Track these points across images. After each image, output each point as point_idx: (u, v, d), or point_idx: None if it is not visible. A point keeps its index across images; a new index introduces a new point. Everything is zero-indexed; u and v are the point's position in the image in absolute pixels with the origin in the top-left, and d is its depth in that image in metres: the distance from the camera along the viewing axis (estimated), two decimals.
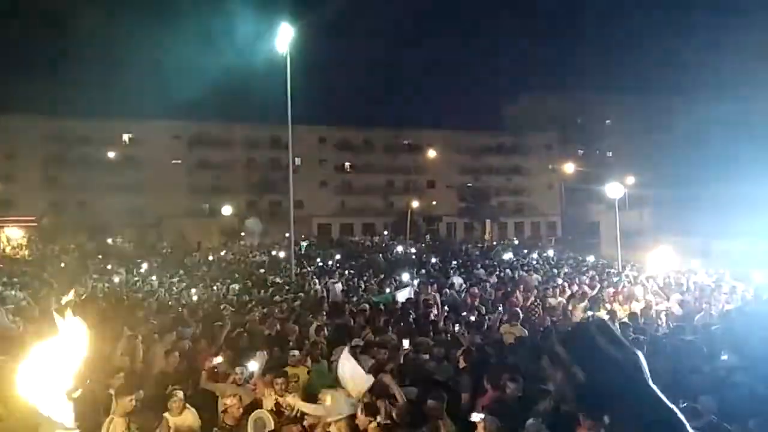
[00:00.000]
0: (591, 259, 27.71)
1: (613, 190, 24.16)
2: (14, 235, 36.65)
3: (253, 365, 7.74)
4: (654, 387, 1.10)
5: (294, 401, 6.62)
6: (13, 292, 17.82)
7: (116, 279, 23.28)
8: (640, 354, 1.13)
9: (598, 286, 16.28)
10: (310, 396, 6.92)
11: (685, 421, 1.06)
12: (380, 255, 33.13)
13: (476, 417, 5.26)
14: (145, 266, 27.66)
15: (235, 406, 6.40)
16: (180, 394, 6.36)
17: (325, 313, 12.79)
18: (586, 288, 16.14)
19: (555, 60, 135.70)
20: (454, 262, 27.41)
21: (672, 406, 1.09)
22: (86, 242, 41.89)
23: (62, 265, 30.41)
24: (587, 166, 62.96)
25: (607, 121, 74.94)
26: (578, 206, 63.55)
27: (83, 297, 17.59)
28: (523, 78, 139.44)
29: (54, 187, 56.45)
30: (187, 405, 6.38)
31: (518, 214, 70.93)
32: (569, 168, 58.75)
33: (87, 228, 46.05)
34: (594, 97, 72.08)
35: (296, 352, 8.54)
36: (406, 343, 8.24)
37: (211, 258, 34.42)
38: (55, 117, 55.99)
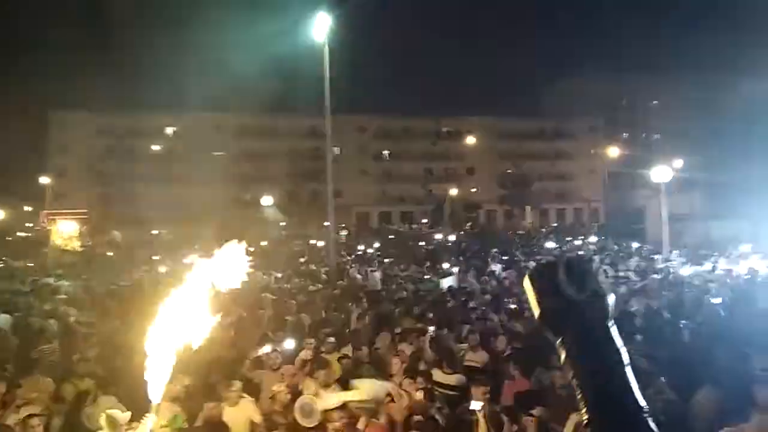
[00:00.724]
0: (635, 245, 27.20)
1: (660, 173, 23.49)
2: (68, 227, 37.84)
3: (291, 351, 7.83)
4: (615, 337, 1.09)
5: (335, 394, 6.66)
6: (66, 282, 18.52)
7: (162, 269, 23.88)
8: (604, 298, 1.11)
9: (643, 279, 15.24)
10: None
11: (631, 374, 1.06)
12: (419, 243, 33.16)
13: (476, 405, 5.22)
14: (194, 257, 28.20)
15: (283, 392, 6.45)
16: (238, 384, 6.28)
17: (364, 301, 12.87)
18: (631, 274, 15.84)
19: (598, 40, 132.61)
20: (494, 250, 27.22)
21: (625, 357, 1.08)
22: (133, 234, 43.03)
23: (109, 254, 31.37)
24: (633, 149, 61.28)
25: (654, 102, 72.74)
26: (623, 191, 61.97)
27: (130, 287, 18.15)
28: (566, 60, 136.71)
29: (102, 180, 58.24)
30: (245, 395, 6.29)
31: (560, 200, 69.78)
32: (614, 152, 57.30)
33: (133, 220, 47.27)
34: (640, 78, 69.71)
35: (332, 339, 8.51)
36: (431, 329, 8.26)
37: (252, 248, 34.97)
38: (104, 112, 57.68)
